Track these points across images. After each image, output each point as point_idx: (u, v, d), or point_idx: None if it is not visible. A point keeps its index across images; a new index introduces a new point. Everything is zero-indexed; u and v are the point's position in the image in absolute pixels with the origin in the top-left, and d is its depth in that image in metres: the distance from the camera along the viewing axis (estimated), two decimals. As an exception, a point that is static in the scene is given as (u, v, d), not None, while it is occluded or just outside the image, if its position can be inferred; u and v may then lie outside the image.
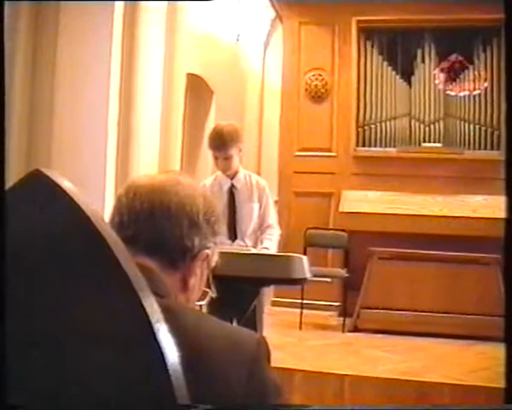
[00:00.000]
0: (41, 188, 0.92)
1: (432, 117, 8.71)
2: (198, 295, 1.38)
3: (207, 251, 1.34)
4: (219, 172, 4.48)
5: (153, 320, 0.87)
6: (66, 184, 0.92)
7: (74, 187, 0.93)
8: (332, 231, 8.29)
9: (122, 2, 5.05)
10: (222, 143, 4.29)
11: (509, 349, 1.79)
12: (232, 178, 4.44)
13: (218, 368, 1.07)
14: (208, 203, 1.36)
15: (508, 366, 1.70)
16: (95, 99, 4.93)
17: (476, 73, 8.70)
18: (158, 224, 1.25)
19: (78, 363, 0.88)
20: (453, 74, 8.77)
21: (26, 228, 0.92)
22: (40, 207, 0.92)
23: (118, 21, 5.00)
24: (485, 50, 8.70)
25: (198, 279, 1.34)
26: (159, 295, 0.99)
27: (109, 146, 4.93)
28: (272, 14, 9.60)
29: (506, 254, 1.90)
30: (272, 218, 4.51)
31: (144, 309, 0.87)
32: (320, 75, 9.10)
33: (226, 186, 4.43)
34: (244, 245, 4.31)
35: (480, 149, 8.56)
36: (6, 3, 1.44)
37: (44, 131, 4.89)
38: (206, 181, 4.58)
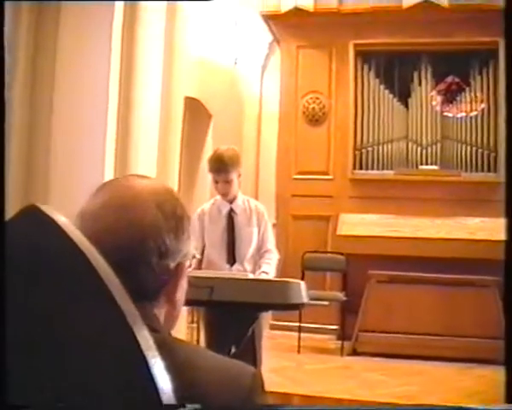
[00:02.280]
0: (36, 223, 0.92)
1: (429, 139, 8.73)
2: (182, 303, 1.31)
3: (185, 262, 1.26)
4: (218, 197, 4.49)
5: (148, 356, 0.86)
6: (61, 219, 0.92)
7: (70, 222, 0.93)
8: (330, 255, 8.29)
9: (122, 2, 5.06)
10: (223, 166, 4.32)
11: (509, 349, 1.79)
12: (231, 203, 4.45)
13: (213, 402, 1.07)
14: (168, 212, 1.22)
15: (508, 364, 1.70)
16: (93, 114, 4.94)
17: (473, 94, 8.74)
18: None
19: (69, 398, 0.88)
20: (450, 96, 8.81)
21: (20, 263, 0.92)
22: (34, 242, 0.92)
23: (118, 22, 5.01)
24: (481, 72, 8.74)
25: (181, 291, 1.27)
26: (153, 329, 0.99)
27: (107, 164, 4.93)
28: (270, 37, 9.66)
29: (506, 276, 1.91)
30: (271, 242, 4.52)
31: (139, 345, 0.86)
32: (317, 98, 9.14)
33: (225, 211, 4.45)
34: (243, 270, 4.31)
35: (476, 171, 8.58)
36: (6, 3, 1.44)
37: (44, 133, 4.89)
38: (204, 205, 4.59)
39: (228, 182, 4.36)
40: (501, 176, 8.20)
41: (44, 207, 0.92)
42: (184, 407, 0.91)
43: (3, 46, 1.37)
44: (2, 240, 0.92)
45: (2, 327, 0.89)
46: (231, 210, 4.45)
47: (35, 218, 0.92)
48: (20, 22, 4.74)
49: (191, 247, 1.30)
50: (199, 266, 4.28)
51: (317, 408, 2.80)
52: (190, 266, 1.31)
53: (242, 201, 4.50)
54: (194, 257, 1.38)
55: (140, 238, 1.17)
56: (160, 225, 1.19)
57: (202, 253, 4.42)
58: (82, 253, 0.90)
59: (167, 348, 1.00)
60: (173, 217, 1.22)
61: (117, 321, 0.88)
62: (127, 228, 1.17)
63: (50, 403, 0.88)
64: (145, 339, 0.88)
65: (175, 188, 5.80)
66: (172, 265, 1.22)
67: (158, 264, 1.18)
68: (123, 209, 1.19)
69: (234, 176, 4.37)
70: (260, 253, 4.45)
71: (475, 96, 8.73)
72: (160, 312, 1.23)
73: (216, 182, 4.41)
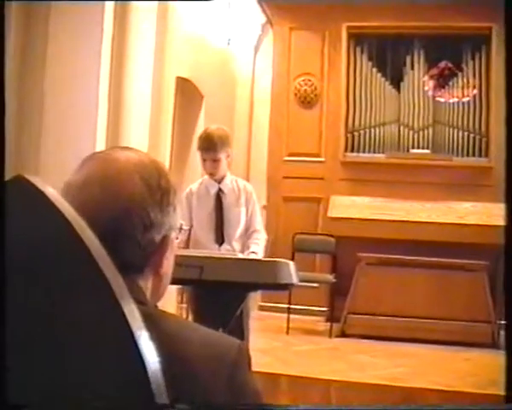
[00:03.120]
0: (23, 193, 0.92)
1: (421, 123, 8.74)
2: (170, 276, 1.30)
3: (170, 234, 1.25)
4: (206, 177, 4.48)
5: (134, 328, 0.86)
6: (49, 190, 0.92)
7: (57, 193, 0.93)
8: (320, 237, 8.31)
9: (112, 2, 5.04)
10: (211, 145, 4.30)
11: (510, 350, 1.80)
12: (219, 183, 4.44)
13: (199, 374, 1.07)
14: (153, 184, 1.21)
15: (508, 366, 1.71)
16: (84, 99, 4.93)
17: (465, 80, 8.74)
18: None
19: (57, 368, 0.88)
20: (442, 81, 8.80)
21: (8, 233, 0.92)
22: (22, 213, 0.92)
23: (108, 21, 5.00)
24: (473, 58, 8.75)
25: (167, 264, 1.26)
26: (139, 302, 0.99)
27: (98, 149, 4.92)
28: (263, 18, 9.62)
29: (506, 261, 1.91)
30: (259, 223, 4.52)
31: (125, 316, 0.87)
32: (309, 80, 9.13)
33: (213, 190, 4.43)
34: (231, 250, 4.31)
35: (468, 155, 8.60)
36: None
37: (34, 130, 4.87)
38: (192, 185, 4.57)
39: (216, 161, 4.34)
40: (492, 161, 8.23)
41: (31, 178, 0.92)
42: (174, 407, 0.92)
43: (3, 46, 1.36)
44: (3, 238, 0.91)
45: (2, 327, 0.89)
46: (219, 190, 4.44)
47: (22, 188, 0.92)
48: (9, 22, 4.70)
49: (177, 219, 1.29)
50: (186, 246, 4.28)
51: (322, 409, 2.82)
52: (177, 238, 1.31)
53: (231, 181, 4.49)
54: (181, 228, 1.37)
55: (124, 211, 1.17)
56: (144, 197, 1.19)
57: (189, 233, 4.42)
58: (69, 223, 0.89)
59: (153, 320, 1.00)
60: (158, 189, 1.22)
61: (104, 293, 0.88)
62: (111, 201, 1.16)
63: (48, 399, 0.88)
64: (131, 311, 0.88)
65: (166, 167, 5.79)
66: (158, 237, 1.21)
67: (143, 237, 1.18)
68: (107, 182, 1.18)
69: (222, 155, 4.35)
70: (248, 233, 4.44)
71: (468, 82, 8.73)
72: (147, 284, 1.23)
73: (204, 160, 4.40)
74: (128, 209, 1.17)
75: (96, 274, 0.88)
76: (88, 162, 1.24)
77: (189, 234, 4.39)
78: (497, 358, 2.49)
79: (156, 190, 1.21)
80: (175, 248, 1.31)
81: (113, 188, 1.17)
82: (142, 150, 1.32)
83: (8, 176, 0.93)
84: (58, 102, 4.92)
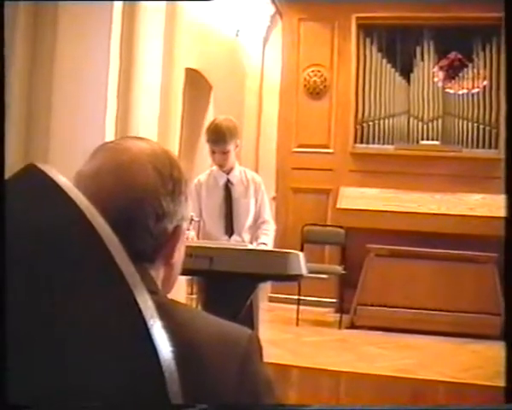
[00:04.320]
0: (36, 182, 0.92)
1: (430, 115, 8.71)
2: (180, 266, 1.31)
3: (182, 224, 1.25)
4: (214, 168, 4.47)
5: (147, 316, 0.87)
6: (61, 179, 0.92)
7: (69, 182, 0.93)
8: (329, 228, 8.30)
9: (121, 2, 5.04)
10: (220, 137, 4.29)
11: (509, 348, 1.79)
12: (228, 174, 4.43)
13: (210, 364, 1.07)
14: (165, 174, 1.21)
15: (508, 364, 1.71)
16: (93, 97, 4.93)
17: (475, 71, 8.70)
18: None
19: (70, 358, 0.88)
20: (452, 72, 8.77)
21: (19, 222, 0.92)
22: (34, 201, 0.92)
23: (116, 20, 4.99)
24: (484, 49, 8.70)
25: (178, 254, 1.27)
26: (151, 291, 0.99)
27: (107, 134, 4.92)
28: (272, 9, 9.60)
29: (506, 254, 1.90)
30: (268, 213, 4.52)
31: (138, 305, 0.87)
32: (319, 71, 9.10)
33: (222, 182, 4.43)
34: (241, 240, 4.31)
35: (478, 147, 8.56)
36: (5, 3, 1.43)
37: (42, 130, 4.88)
38: (200, 176, 4.57)
39: (225, 153, 4.33)
40: (502, 152, 8.19)
41: (44, 167, 0.92)
42: (194, 407, 0.92)
43: (3, 46, 1.36)
44: (3, 238, 0.91)
45: (2, 326, 0.89)
46: (228, 181, 4.43)
47: (35, 177, 0.92)
48: (18, 22, 4.70)
49: (189, 209, 1.29)
50: (196, 237, 4.28)
51: (334, 408, 2.82)
52: (188, 229, 1.31)
53: (239, 172, 4.48)
54: (192, 220, 1.38)
55: (137, 201, 1.17)
56: (157, 187, 1.19)
57: (199, 224, 4.42)
58: (82, 213, 0.90)
59: (166, 309, 1.00)
60: (170, 179, 1.22)
61: (117, 281, 0.88)
62: (124, 191, 1.16)
63: (50, 398, 0.88)
64: (144, 300, 0.88)
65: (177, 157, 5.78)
66: (170, 227, 1.22)
67: (155, 226, 1.18)
68: (120, 172, 1.18)
69: (231, 147, 4.34)
70: (257, 224, 4.44)
71: (478, 73, 8.69)
72: (158, 274, 1.23)
73: (213, 152, 4.38)
74: (141, 199, 1.17)
75: (109, 263, 0.88)
76: (100, 152, 1.24)
77: (199, 225, 4.40)
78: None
79: (168, 179, 1.21)
80: (185, 240, 1.31)
81: (126, 178, 1.17)
82: (153, 140, 1.32)
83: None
84: (67, 100, 4.92)
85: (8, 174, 0.97)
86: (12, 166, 1.01)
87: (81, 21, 4.90)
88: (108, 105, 4.95)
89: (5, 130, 1.37)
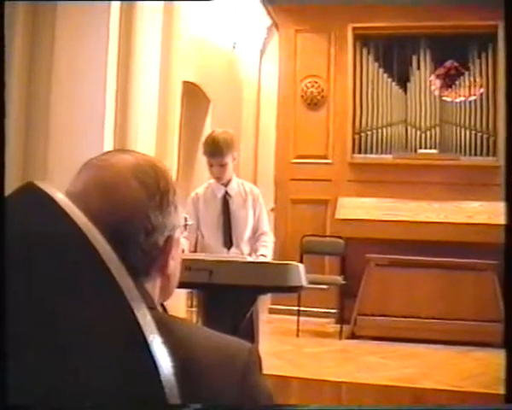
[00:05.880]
0: (34, 199, 0.93)
1: (428, 123, 8.73)
2: (178, 274, 1.29)
3: (174, 234, 1.24)
4: (212, 181, 4.47)
5: (146, 332, 0.87)
6: (59, 196, 0.93)
7: (68, 200, 0.93)
8: (328, 238, 8.31)
9: (118, 2, 5.04)
10: (217, 150, 4.28)
11: (510, 355, 1.79)
12: (226, 186, 4.43)
13: (211, 378, 1.07)
14: (152, 185, 1.19)
15: (508, 371, 1.70)
16: (91, 100, 4.93)
17: (472, 79, 8.72)
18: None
19: (69, 377, 0.89)
20: (449, 80, 8.79)
21: (18, 239, 0.92)
22: (33, 218, 0.92)
23: (114, 20, 5.00)
24: (480, 56, 8.73)
25: (173, 263, 1.25)
26: (148, 307, 0.99)
27: (105, 148, 4.92)
28: (268, 21, 9.63)
29: (506, 261, 1.90)
30: (266, 225, 4.51)
31: (137, 321, 0.87)
32: (316, 82, 9.12)
33: (220, 194, 4.42)
34: (240, 253, 4.30)
35: (475, 155, 8.58)
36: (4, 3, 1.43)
37: (41, 132, 4.88)
38: (198, 190, 4.56)
39: (222, 165, 4.32)
40: (500, 160, 8.21)
41: (42, 185, 0.93)
42: (188, 406, 0.92)
43: (3, 46, 1.36)
44: (3, 238, 0.92)
45: (2, 326, 0.90)
46: (226, 193, 4.42)
47: (33, 195, 0.93)
48: (16, 22, 4.71)
49: (180, 218, 1.27)
50: (194, 250, 4.27)
51: (332, 408, 2.80)
52: (183, 232, 1.30)
53: (237, 184, 4.48)
54: (186, 224, 1.36)
55: (124, 219, 1.15)
56: (143, 202, 1.17)
57: (197, 237, 4.42)
58: (80, 230, 0.90)
59: (164, 324, 1.00)
60: (157, 191, 1.20)
61: (116, 297, 0.88)
62: (110, 209, 1.15)
63: (50, 401, 0.89)
64: (144, 316, 0.88)
65: (173, 172, 5.79)
66: (161, 239, 1.20)
67: (145, 241, 1.17)
68: (105, 191, 1.16)
69: (229, 159, 4.33)
70: (256, 235, 4.43)
71: (474, 81, 8.71)
72: (155, 285, 1.22)
73: (211, 165, 4.37)
74: (128, 216, 1.16)
75: (108, 279, 0.88)
76: (84, 171, 1.22)
77: (197, 238, 4.40)
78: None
79: (155, 192, 1.20)
80: (180, 246, 1.30)
81: (112, 196, 1.16)
82: (139, 151, 1.30)
83: (15, 177, 0.94)
84: (65, 103, 4.92)
85: (8, 174, 0.98)
86: (12, 166, 1.02)
87: (79, 21, 4.91)
88: (106, 113, 4.95)
89: (5, 130, 1.37)
